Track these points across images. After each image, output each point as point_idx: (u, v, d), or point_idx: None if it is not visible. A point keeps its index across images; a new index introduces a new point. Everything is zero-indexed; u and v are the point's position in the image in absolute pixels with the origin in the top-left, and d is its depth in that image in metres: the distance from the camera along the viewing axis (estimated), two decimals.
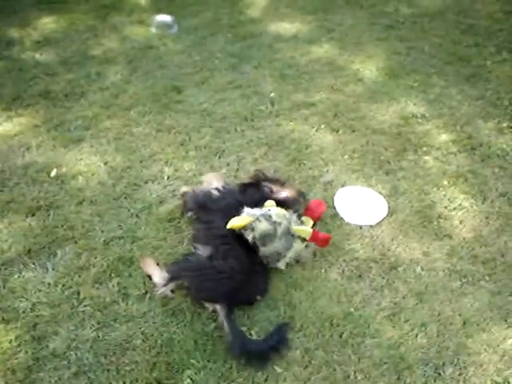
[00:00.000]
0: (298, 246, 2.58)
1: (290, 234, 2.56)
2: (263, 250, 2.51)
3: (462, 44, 5.01)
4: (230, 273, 2.41)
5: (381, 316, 2.48)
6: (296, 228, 2.57)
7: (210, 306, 2.42)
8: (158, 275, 2.49)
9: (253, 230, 2.47)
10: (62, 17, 5.31)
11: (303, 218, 2.73)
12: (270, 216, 2.51)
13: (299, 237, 2.59)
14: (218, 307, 2.38)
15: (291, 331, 2.38)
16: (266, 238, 2.48)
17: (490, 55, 4.82)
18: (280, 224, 2.51)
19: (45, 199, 3.01)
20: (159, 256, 2.68)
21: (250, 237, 2.49)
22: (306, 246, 2.64)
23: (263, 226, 2.47)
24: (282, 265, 2.59)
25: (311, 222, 2.76)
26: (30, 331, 2.33)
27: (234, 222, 2.48)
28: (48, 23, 5.19)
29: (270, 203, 2.67)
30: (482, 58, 4.77)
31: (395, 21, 5.47)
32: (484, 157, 3.52)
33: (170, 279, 2.44)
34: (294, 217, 2.64)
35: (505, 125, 3.85)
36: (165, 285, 2.44)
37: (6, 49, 4.69)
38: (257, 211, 2.55)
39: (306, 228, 2.62)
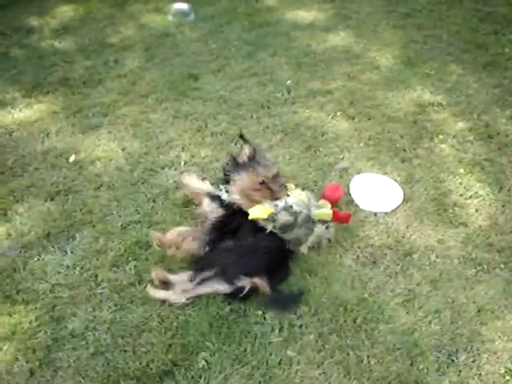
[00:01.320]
0: (318, 229, 2.58)
1: (310, 221, 2.56)
2: (284, 236, 2.53)
3: (479, 32, 4.95)
4: (266, 249, 2.47)
5: (395, 302, 2.48)
6: (316, 213, 2.57)
7: (247, 284, 2.37)
8: (180, 280, 2.44)
9: (274, 221, 2.47)
10: (80, 5, 5.38)
11: (321, 202, 2.71)
12: (291, 206, 2.51)
13: (319, 220, 2.59)
14: (257, 281, 2.36)
15: (305, 315, 2.40)
16: (287, 227, 2.50)
17: (508, 43, 4.76)
18: (300, 213, 2.51)
19: (64, 184, 3.06)
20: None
21: (269, 226, 2.49)
22: (327, 228, 2.63)
23: (284, 218, 2.47)
24: (303, 249, 2.61)
25: (329, 205, 2.71)
26: (50, 312, 2.37)
27: (257, 214, 2.46)
28: (66, 11, 5.25)
29: (289, 186, 2.70)
30: (500, 45, 4.72)
31: (412, 9, 5.43)
32: (501, 145, 3.49)
33: (202, 269, 2.43)
34: (313, 201, 2.64)
35: None
36: (191, 281, 2.41)
37: (25, 37, 4.77)
38: (278, 202, 2.53)
39: (326, 211, 2.62)
